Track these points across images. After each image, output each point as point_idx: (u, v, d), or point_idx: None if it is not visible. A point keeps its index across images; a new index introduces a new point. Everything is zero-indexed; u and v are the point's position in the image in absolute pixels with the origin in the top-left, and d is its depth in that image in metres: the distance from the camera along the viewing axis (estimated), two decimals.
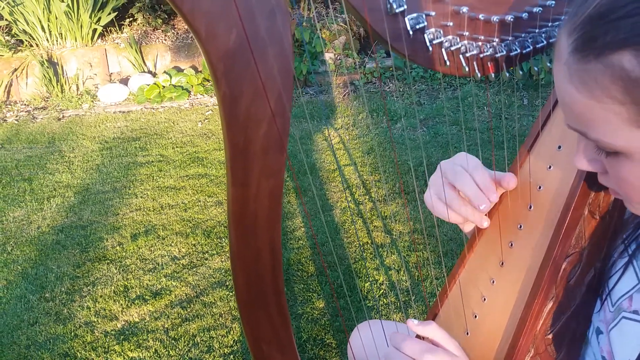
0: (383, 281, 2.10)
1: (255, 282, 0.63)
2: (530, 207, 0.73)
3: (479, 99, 3.76)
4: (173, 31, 5.04)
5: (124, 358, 1.86)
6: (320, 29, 4.63)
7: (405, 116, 3.66)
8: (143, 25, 5.07)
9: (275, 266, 0.63)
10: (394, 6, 0.54)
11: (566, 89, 0.50)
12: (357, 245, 2.35)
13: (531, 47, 0.63)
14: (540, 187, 0.73)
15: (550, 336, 0.68)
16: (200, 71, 4.72)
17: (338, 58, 4.53)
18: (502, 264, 0.74)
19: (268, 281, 0.63)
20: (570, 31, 0.48)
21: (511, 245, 0.74)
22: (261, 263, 0.62)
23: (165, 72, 4.69)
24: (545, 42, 0.64)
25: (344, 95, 4.15)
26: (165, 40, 4.97)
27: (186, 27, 5.10)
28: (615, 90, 0.45)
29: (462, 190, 0.73)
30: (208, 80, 4.58)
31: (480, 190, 0.72)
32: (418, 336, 0.72)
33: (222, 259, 2.34)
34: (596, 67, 0.46)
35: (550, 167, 0.73)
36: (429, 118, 3.59)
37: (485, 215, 0.75)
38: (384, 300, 2.01)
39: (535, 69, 0.65)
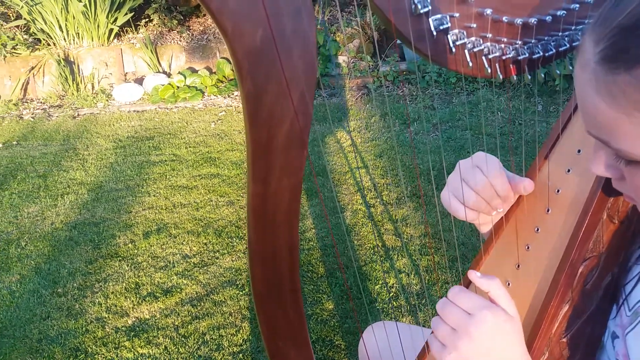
0: (393, 284, 2.10)
1: (272, 279, 0.64)
2: (548, 211, 0.73)
3: (492, 104, 3.75)
4: (188, 32, 5.08)
5: (134, 354, 1.87)
6: (334, 32, 4.65)
7: (418, 120, 3.66)
8: (159, 26, 5.11)
9: (292, 263, 0.63)
10: (419, 7, 0.55)
11: (591, 98, 0.49)
12: (368, 247, 2.35)
13: (554, 51, 0.63)
14: (558, 191, 0.73)
15: (565, 340, 0.68)
16: (215, 72, 4.75)
17: (351, 61, 4.54)
18: (519, 266, 0.74)
19: (285, 278, 0.64)
20: (598, 39, 0.47)
21: (528, 247, 0.74)
22: (279, 260, 0.63)
23: (179, 72, 4.73)
24: (568, 45, 0.64)
25: (357, 98, 4.15)
26: (180, 41, 5.01)
27: (201, 28, 5.14)
28: None
29: (480, 194, 0.73)
30: (222, 82, 4.61)
31: (498, 197, 0.72)
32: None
33: (233, 259, 2.35)
34: (626, 79, 0.45)
35: (569, 170, 0.73)
36: (442, 122, 3.58)
37: (491, 221, 0.76)
38: (394, 303, 2.01)
39: (557, 72, 0.65)
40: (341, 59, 4.56)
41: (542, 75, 0.64)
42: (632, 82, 0.45)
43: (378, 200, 2.72)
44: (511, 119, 3.51)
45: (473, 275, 0.61)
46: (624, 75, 0.45)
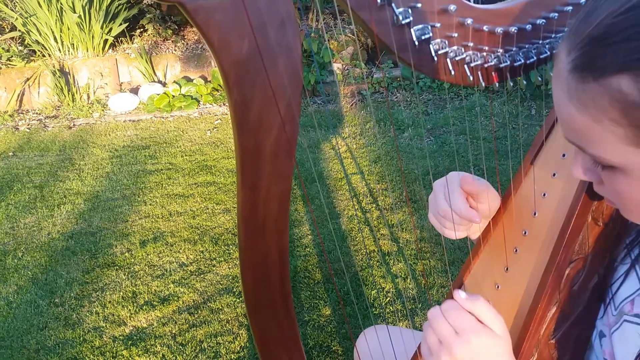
0: (389, 289, 2.11)
1: (263, 284, 0.65)
2: (535, 214, 0.74)
3: (486, 108, 3.77)
4: (183, 42, 5.10)
5: None
6: (329, 40, 4.67)
7: (413, 125, 3.68)
8: (153, 36, 5.14)
9: (283, 269, 0.64)
10: (400, 18, 0.56)
11: (565, 106, 0.50)
12: (364, 253, 2.36)
13: (535, 58, 0.65)
14: (544, 194, 0.75)
15: (553, 341, 0.69)
16: (210, 81, 4.77)
17: (346, 68, 4.56)
18: (507, 269, 0.75)
19: (276, 283, 0.65)
20: (570, 49, 0.48)
21: (516, 251, 0.75)
22: (269, 265, 0.64)
23: (175, 81, 4.74)
24: (549, 53, 0.66)
25: (352, 105, 4.17)
26: (175, 50, 5.03)
27: (196, 37, 5.17)
28: (614, 112, 0.46)
29: (446, 219, 0.76)
30: (217, 90, 4.63)
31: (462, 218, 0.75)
32: None
33: (230, 266, 2.35)
34: (594, 88, 0.46)
35: (554, 174, 0.75)
36: (436, 127, 3.60)
37: (479, 227, 0.79)
38: (390, 307, 2.01)
39: (539, 79, 0.67)
40: (336, 66, 4.58)
41: (525, 82, 0.66)
42: (601, 91, 0.46)
43: (374, 205, 2.73)
44: (502, 123, 3.53)
45: (457, 295, 0.63)
46: (592, 84, 0.46)
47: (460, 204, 0.74)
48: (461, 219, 0.75)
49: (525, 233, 0.75)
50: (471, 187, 0.74)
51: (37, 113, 4.66)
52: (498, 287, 0.75)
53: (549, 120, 0.78)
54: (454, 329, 0.62)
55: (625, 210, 0.57)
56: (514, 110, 3.67)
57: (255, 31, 0.55)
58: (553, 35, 0.63)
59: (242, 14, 0.53)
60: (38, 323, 2.10)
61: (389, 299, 2.06)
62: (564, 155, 0.75)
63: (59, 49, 4.84)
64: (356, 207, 2.72)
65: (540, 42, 0.63)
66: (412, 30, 0.58)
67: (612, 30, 0.45)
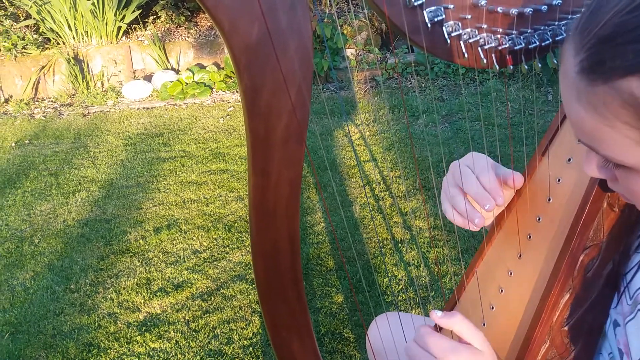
0: (402, 277, 2.11)
1: (274, 270, 0.65)
2: (549, 200, 0.73)
3: (502, 94, 3.72)
4: (196, 28, 5.09)
5: (146, 349, 1.90)
6: (342, 25, 4.63)
7: (427, 112, 3.65)
8: (166, 23, 5.14)
9: (293, 254, 0.64)
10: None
11: (574, 108, 0.49)
12: (377, 240, 2.35)
13: (550, 40, 0.63)
14: (559, 180, 0.73)
15: (566, 328, 0.68)
16: (223, 68, 4.76)
17: (359, 54, 4.53)
18: (520, 256, 0.74)
19: (287, 269, 0.65)
20: (577, 49, 0.47)
21: (529, 237, 0.74)
22: (280, 251, 0.64)
23: (188, 69, 4.75)
24: (564, 34, 0.64)
25: (365, 91, 4.15)
26: (188, 37, 5.03)
27: (209, 24, 5.16)
28: (626, 115, 0.45)
29: (467, 191, 0.73)
30: (230, 77, 4.63)
31: (485, 191, 0.72)
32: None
33: (243, 253, 2.37)
34: (605, 91, 0.45)
35: (569, 159, 0.73)
36: (451, 114, 3.57)
37: (492, 214, 0.76)
38: (403, 295, 2.01)
39: (555, 61, 0.65)
40: (349, 51, 4.55)
41: (540, 65, 0.65)
42: (611, 93, 0.45)
43: (387, 193, 2.72)
44: (519, 109, 3.48)
45: (433, 315, 0.65)
46: (602, 86, 0.45)
47: (491, 179, 0.71)
48: (481, 197, 0.72)
49: (539, 219, 0.74)
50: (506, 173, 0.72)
51: (52, 101, 4.70)
52: (511, 273, 0.75)
53: (563, 106, 0.77)
54: (432, 355, 0.63)
55: (639, 205, 0.55)
56: (530, 96, 3.62)
57: (265, 14, 0.54)
58: (569, 17, 0.62)
59: None
60: (54, 309, 2.13)
61: (401, 286, 2.06)
62: (579, 140, 0.73)
63: (73, 37, 4.87)
64: (369, 195, 2.71)
65: (557, 23, 0.62)
66: (424, 11, 0.56)
67: (620, 30, 0.43)
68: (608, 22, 0.44)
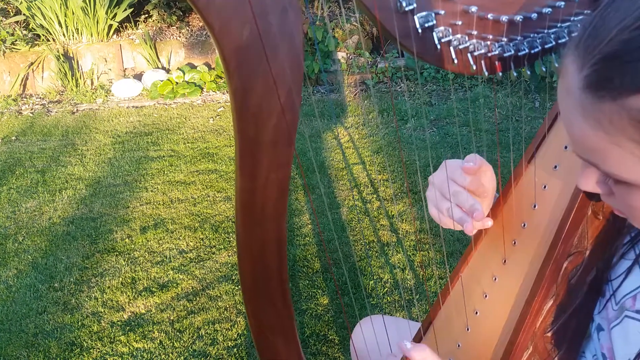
0: (387, 279, 2.11)
1: (260, 272, 0.65)
2: (535, 206, 0.74)
3: (490, 100, 3.75)
4: (187, 28, 5.07)
5: (130, 348, 1.88)
6: (333, 28, 4.64)
7: (416, 116, 3.66)
8: (158, 22, 5.11)
9: (280, 256, 0.64)
10: (404, 4, 0.55)
11: (578, 124, 0.49)
12: (363, 243, 2.36)
13: (540, 48, 0.64)
14: (545, 187, 0.74)
15: (549, 334, 0.69)
16: (214, 68, 4.75)
17: (350, 57, 4.54)
18: (505, 261, 0.75)
19: (273, 271, 0.65)
20: (582, 65, 0.47)
21: (514, 243, 0.75)
22: (267, 253, 0.64)
23: (178, 68, 4.73)
24: (554, 42, 0.65)
25: (355, 95, 4.16)
26: (179, 37, 5.00)
27: (201, 24, 5.15)
28: (633, 132, 0.45)
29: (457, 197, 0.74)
30: (221, 78, 4.61)
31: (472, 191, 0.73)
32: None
33: (229, 254, 2.36)
34: (612, 108, 0.45)
35: (556, 167, 0.74)
36: (439, 119, 3.59)
37: (487, 216, 0.76)
38: (388, 298, 2.02)
39: (544, 69, 0.66)
40: (340, 55, 4.56)
41: (529, 72, 0.65)
42: (619, 111, 0.44)
43: (374, 196, 2.73)
44: (506, 115, 3.51)
45: (402, 346, 0.67)
46: (610, 104, 0.45)
47: (465, 198, 0.72)
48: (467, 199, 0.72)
49: (524, 225, 0.74)
50: (475, 165, 0.72)
51: (40, 98, 4.66)
52: (495, 279, 0.75)
53: (552, 112, 0.78)
54: None
55: (636, 222, 0.55)
56: (518, 103, 3.65)
57: (256, 17, 0.54)
58: (559, 25, 0.62)
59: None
60: (37, 307, 2.11)
61: (386, 289, 2.07)
62: (566, 147, 0.74)
63: (64, 34, 4.83)
64: (356, 198, 2.72)
65: (546, 31, 0.62)
66: (415, 17, 0.57)
67: (628, 48, 0.43)
68: (615, 39, 0.44)
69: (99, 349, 1.89)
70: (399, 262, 2.21)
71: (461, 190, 0.72)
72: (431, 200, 0.76)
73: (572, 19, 0.63)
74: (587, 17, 0.48)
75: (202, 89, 4.54)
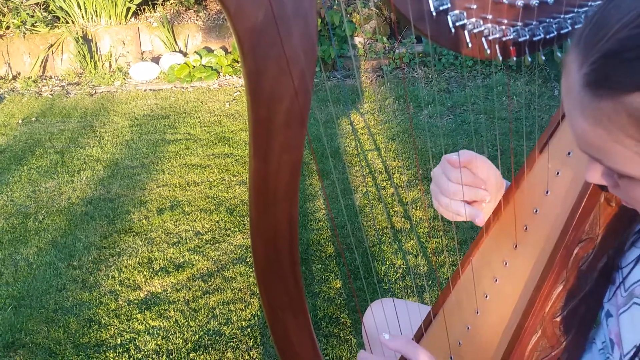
0: (400, 265, 2.12)
1: (272, 252, 0.66)
2: (547, 192, 0.74)
3: (508, 87, 3.71)
4: (205, 12, 5.07)
5: (146, 326, 1.92)
6: (351, 13, 4.61)
7: (432, 103, 3.64)
8: (176, 5, 5.12)
9: (292, 237, 0.65)
10: None
11: (578, 121, 0.49)
12: (376, 229, 2.37)
13: (555, 33, 0.63)
14: (558, 173, 0.74)
15: (558, 319, 0.69)
16: (230, 52, 4.75)
17: (367, 42, 4.51)
18: (516, 246, 0.75)
19: (285, 252, 0.66)
20: (581, 63, 0.47)
21: (526, 228, 0.75)
22: (279, 233, 0.65)
23: (196, 52, 4.74)
24: (570, 28, 0.64)
25: (372, 81, 4.14)
26: (197, 20, 5.01)
27: (218, 7, 5.15)
28: (632, 129, 0.45)
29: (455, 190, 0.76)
30: (237, 62, 4.62)
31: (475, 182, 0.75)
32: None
33: (244, 236, 2.39)
34: (610, 106, 0.45)
35: (569, 153, 0.74)
36: (456, 106, 3.56)
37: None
38: (400, 283, 2.03)
39: (559, 55, 0.65)
40: (357, 40, 4.53)
41: (544, 58, 0.65)
42: (617, 109, 0.45)
43: (388, 182, 2.73)
44: (524, 103, 3.47)
45: (382, 339, 0.70)
46: (608, 101, 0.45)
47: (458, 207, 0.75)
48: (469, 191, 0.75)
49: (536, 211, 0.74)
50: (464, 159, 0.74)
51: (59, 79, 4.71)
52: (506, 263, 0.76)
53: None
54: None
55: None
56: (537, 91, 3.60)
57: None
58: (575, 10, 0.62)
59: None
60: (57, 284, 2.16)
61: (398, 275, 2.08)
62: (583, 151, 0.74)
63: (83, 16, 4.86)
64: (370, 184, 2.72)
65: (562, 16, 0.62)
66: (429, 0, 0.57)
67: (626, 46, 0.43)
68: (614, 37, 0.44)
69: (116, 326, 1.93)
70: (412, 249, 2.22)
71: (454, 185, 0.74)
72: (433, 194, 0.78)
73: (589, 4, 0.62)
74: (590, 13, 0.48)
75: (218, 73, 4.55)
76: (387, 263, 2.14)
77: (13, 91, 4.49)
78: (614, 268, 0.69)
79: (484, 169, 0.75)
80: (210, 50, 4.79)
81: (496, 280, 0.76)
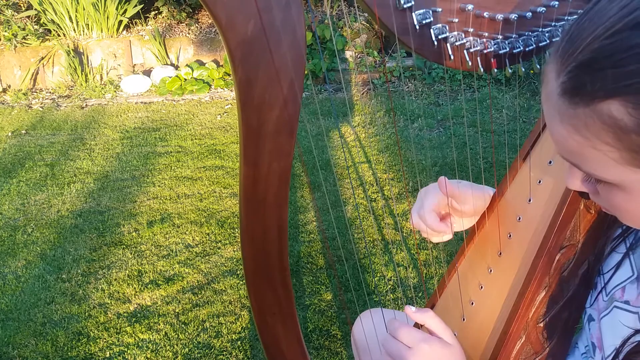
0: (390, 277, 2.13)
1: (262, 258, 0.67)
2: (530, 200, 0.76)
3: (497, 101, 3.76)
4: (197, 25, 5.11)
5: (135, 339, 1.91)
6: (342, 27, 4.66)
7: (423, 116, 3.68)
8: (168, 19, 5.15)
9: (281, 243, 0.67)
10: (402, 2, 0.58)
11: (558, 129, 0.51)
12: (367, 241, 2.38)
13: (534, 46, 0.66)
14: (540, 182, 0.76)
15: (542, 324, 0.71)
16: (222, 65, 4.78)
17: (358, 56, 4.56)
18: (500, 254, 0.77)
19: (274, 257, 0.67)
20: (558, 72, 0.49)
21: (510, 236, 0.77)
22: (268, 240, 0.66)
23: (187, 65, 4.76)
24: (548, 41, 0.67)
25: (362, 94, 4.18)
26: (188, 33, 5.04)
27: (210, 21, 5.18)
28: (607, 136, 0.47)
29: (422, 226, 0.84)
30: (229, 75, 4.65)
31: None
32: (416, 323, 0.75)
33: (235, 249, 2.39)
34: (586, 113, 0.47)
35: (550, 162, 0.76)
36: (446, 119, 3.60)
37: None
38: (391, 295, 2.04)
39: (538, 67, 0.68)
40: (348, 53, 4.58)
41: (523, 70, 0.67)
42: (592, 116, 0.47)
43: (379, 195, 2.75)
44: (513, 116, 3.52)
45: (408, 310, 0.70)
46: (583, 109, 0.47)
47: (431, 220, 0.80)
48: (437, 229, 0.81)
49: (519, 219, 0.76)
50: (450, 190, 0.80)
51: (50, 92, 4.71)
52: (491, 271, 0.77)
53: None
54: (405, 345, 0.68)
55: (622, 219, 0.58)
56: (526, 104, 3.65)
57: (261, 11, 0.57)
58: (553, 24, 0.64)
59: None
60: (45, 297, 2.14)
61: (389, 287, 2.09)
62: (563, 157, 0.76)
63: (74, 29, 4.88)
64: (361, 196, 2.74)
65: (540, 30, 0.64)
66: (413, 14, 0.59)
67: (599, 56, 0.45)
68: (587, 47, 0.46)
69: (105, 339, 1.92)
70: (402, 261, 2.23)
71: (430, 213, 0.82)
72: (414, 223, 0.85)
73: (566, 18, 0.65)
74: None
75: (210, 85, 4.57)
76: (378, 275, 2.15)
77: (3, 104, 4.48)
78: (594, 273, 0.71)
79: (468, 203, 0.81)
80: (201, 64, 4.82)
81: (482, 287, 0.77)
